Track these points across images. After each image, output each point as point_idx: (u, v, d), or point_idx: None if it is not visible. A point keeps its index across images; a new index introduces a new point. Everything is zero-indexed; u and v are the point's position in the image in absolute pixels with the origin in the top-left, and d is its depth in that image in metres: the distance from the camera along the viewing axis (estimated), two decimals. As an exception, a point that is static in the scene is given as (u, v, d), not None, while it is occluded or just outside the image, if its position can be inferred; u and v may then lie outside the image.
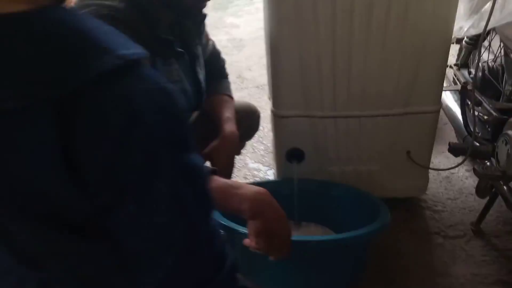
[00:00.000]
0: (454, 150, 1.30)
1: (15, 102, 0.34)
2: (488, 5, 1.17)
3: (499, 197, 1.38)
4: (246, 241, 0.98)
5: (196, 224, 0.43)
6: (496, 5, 1.10)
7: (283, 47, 1.29)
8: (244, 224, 0.99)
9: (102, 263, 0.45)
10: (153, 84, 0.37)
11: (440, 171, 1.77)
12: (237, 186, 0.96)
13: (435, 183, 1.76)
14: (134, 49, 0.37)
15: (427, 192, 1.67)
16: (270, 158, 1.95)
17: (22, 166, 0.36)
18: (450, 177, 1.79)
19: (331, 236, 1.19)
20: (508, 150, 1.12)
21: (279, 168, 1.54)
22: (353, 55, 1.27)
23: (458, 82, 1.73)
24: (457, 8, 1.23)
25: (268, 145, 2.04)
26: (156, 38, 1.03)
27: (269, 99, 1.50)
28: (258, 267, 1.06)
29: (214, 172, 0.97)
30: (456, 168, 1.76)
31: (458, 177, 1.79)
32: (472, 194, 1.66)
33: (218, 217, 1.15)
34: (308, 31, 1.24)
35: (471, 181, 1.74)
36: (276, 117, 1.43)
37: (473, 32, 1.32)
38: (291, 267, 1.06)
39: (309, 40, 1.25)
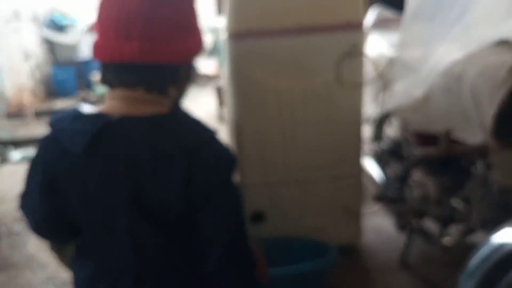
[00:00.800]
0: (377, 197, 1.75)
1: (173, 151, 0.71)
2: (380, 97, 1.72)
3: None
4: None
5: (241, 218, 0.79)
6: (385, 97, 1.64)
7: (246, 132, 1.73)
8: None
9: (180, 250, 0.78)
10: (223, 143, 0.77)
11: (372, 224, 2.22)
12: None
13: (369, 232, 2.18)
14: (212, 127, 0.77)
15: (364, 240, 2.09)
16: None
17: (167, 187, 0.72)
18: (381, 228, 2.23)
19: (293, 268, 1.52)
20: (411, 194, 1.59)
21: (245, 230, 1.86)
22: (296, 135, 1.73)
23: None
24: (363, 95, 1.75)
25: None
26: None
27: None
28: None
29: None
30: (386, 222, 2.22)
31: (385, 226, 2.23)
32: (396, 238, 2.10)
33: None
34: (262, 118, 1.69)
35: (394, 229, 2.19)
36: (241, 185, 1.80)
37: (374, 115, 1.86)
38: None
39: (265, 125, 1.71)
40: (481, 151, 1.23)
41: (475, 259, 1.04)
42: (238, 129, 1.73)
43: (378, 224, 2.22)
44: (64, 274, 2.00)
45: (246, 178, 1.79)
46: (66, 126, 0.75)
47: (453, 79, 1.34)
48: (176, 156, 0.71)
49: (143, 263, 0.77)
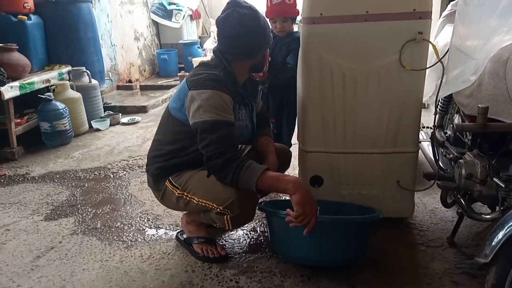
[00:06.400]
0: (426, 175, 1.88)
1: None
2: (438, 81, 1.83)
3: (465, 219, 1.92)
4: (288, 218, 1.56)
5: None
6: (443, 80, 1.76)
7: (310, 104, 1.96)
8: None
9: None
10: None
11: (427, 207, 2.34)
12: (283, 175, 1.60)
13: (423, 213, 2.31)
14: None
15: (416, 219, 2.22)
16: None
17: None
18: (435, 210, 2.34)
19: (343, 217, 1.74)
20: (459, 172, 1.70)
21: (304, 191, 2.12)
22: (357, 110, 1.92)
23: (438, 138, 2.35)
24: (424, 80, 1.88)
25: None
26: (236, 92, 1.72)
27: (298, 140, 2.14)
28: (294, 238, 1.63)
29: (268, 168, 1.61)
30: (440, 205, 2.32)
31: (441, 210, 2.33)
32: (450, 221, 2.20)
33: (267, 207, 1.75)
34: (327, 94, 1.91)
35: (450, 214, 2.28)
36: (303, 152, 2.06)
37: (431, 100, 1.97)
38: (316, 238, 1.60)
39: (327, 100, 1.92)
40: (516, 130, 1.33)
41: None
42: (304, 102, 1.99)
43: (434, 211, 2.33)
44: (157, 209, 2.45)
45: (308, 146, 2.05)
46: None
47: (500, 63, 1.44)
48: None
49: None
